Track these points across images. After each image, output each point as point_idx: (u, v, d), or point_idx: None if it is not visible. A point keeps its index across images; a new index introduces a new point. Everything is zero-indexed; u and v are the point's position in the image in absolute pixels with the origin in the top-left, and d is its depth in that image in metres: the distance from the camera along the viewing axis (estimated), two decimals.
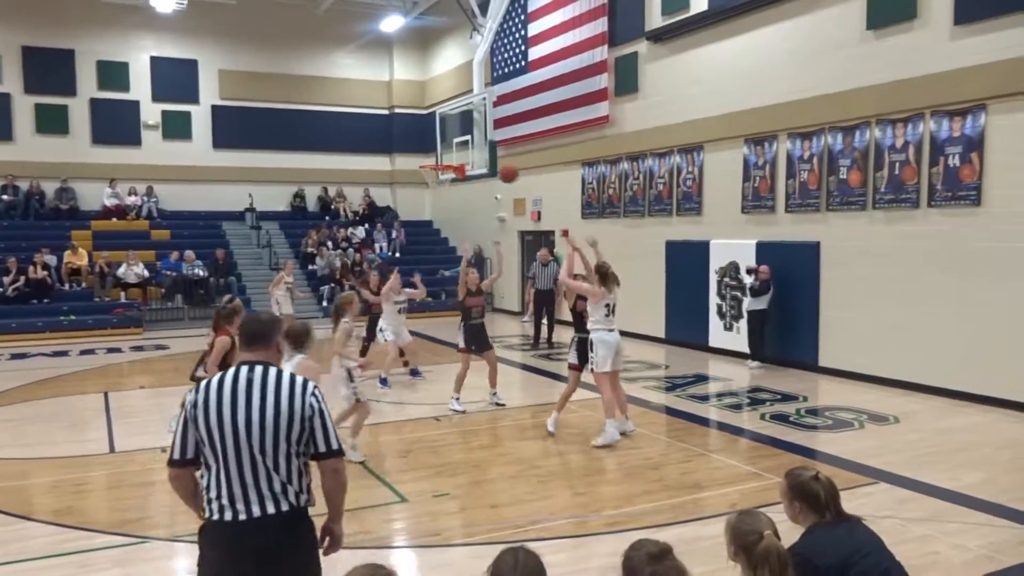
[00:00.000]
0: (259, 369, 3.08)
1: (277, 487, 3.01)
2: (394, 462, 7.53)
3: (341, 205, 23.66)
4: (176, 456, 3.07)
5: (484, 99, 14.40)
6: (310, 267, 20.50)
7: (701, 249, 13.97)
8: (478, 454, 7.78)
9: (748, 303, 12.44)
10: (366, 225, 22.78)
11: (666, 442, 8.25)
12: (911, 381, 10.57)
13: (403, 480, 6.92)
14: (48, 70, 20.72)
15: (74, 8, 20.29)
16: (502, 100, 18.85)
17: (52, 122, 20.85)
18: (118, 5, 19.94)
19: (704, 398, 10.40)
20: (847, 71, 11.39)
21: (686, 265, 14.34)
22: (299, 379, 3.13)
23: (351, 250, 21.08)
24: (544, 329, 15.20)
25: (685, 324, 14.45)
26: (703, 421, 9.15)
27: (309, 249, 20.74)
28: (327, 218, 23.13)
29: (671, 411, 9.65)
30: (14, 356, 14.51)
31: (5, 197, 20.18)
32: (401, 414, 9.44)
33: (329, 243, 21.03)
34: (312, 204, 23.77)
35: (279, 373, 3.11)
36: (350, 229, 22.24)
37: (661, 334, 15.05)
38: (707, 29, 13.84)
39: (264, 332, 3.23)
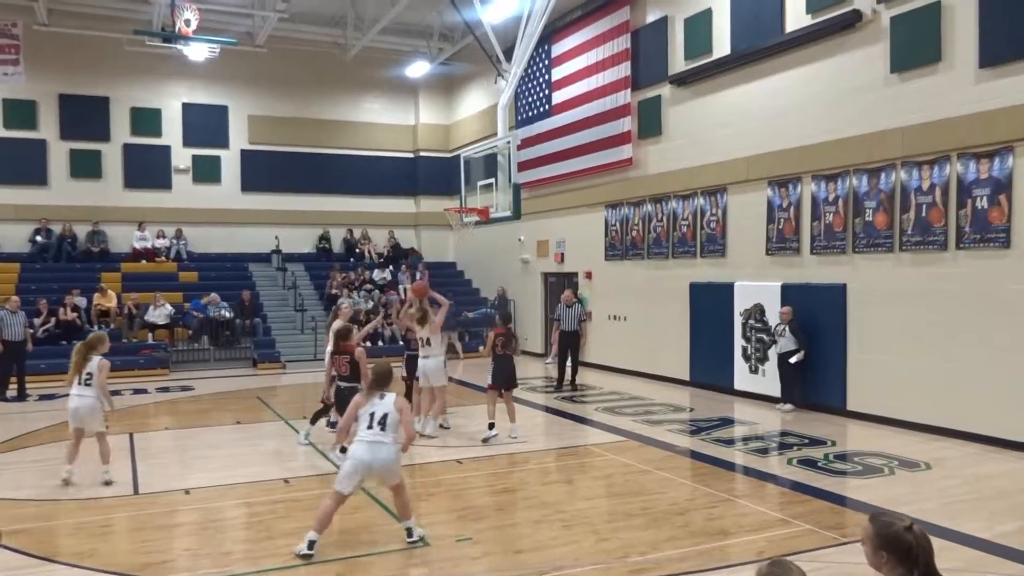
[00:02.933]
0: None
1: None
2: (415, 505, 7.46)
3: (366, 247, 23.88)
4: None
5: (508, 142, 14.53)
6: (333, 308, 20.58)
7: (725, 291, 13.90)
8: (501, 497, 7.71)
9: (780, 345, 12.29)
10: (391, 267, 22.95)
11: (691, 487, 8.12)
12: (942, 426, 10.36)
13: (425, 523, 6.86)
14: (83, 117, 21.29)
15: (110, 57, 20.89)
16: (526, 143, 19.06)
17: (86, 167, 21.36)
18: (153, 54, 20.50)
19: (730, 442, 10.26)
20: (872, 114, 11.40)
21: (710, 307, 14.26)
22: None
23: (376, 292, 21.21)
24: (568, 371, 15.13)
25: (709, 367, 14.33)
26: (729, 465, 9.02)
27: (333, 291, 20.89)
28: (352, 260, 23.34)
29: (696, 455, 9.52)
30: (43, 397, 14.67)
31: (39, 239, 20.61)
32: (423, 456, 9.39)
33: (352, 287, 21.15)
34: (337, 246, 24.02)
35: None
36: (374, 271, 22.42)
37: (685, 376, 14.93)
38: (730, 73, 13.94)
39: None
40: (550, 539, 6.50)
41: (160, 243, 21.60)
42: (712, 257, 14.50)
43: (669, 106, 15.54)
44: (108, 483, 8.31)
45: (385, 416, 6.24)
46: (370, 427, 6.24)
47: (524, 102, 20.09)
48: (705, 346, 14.48)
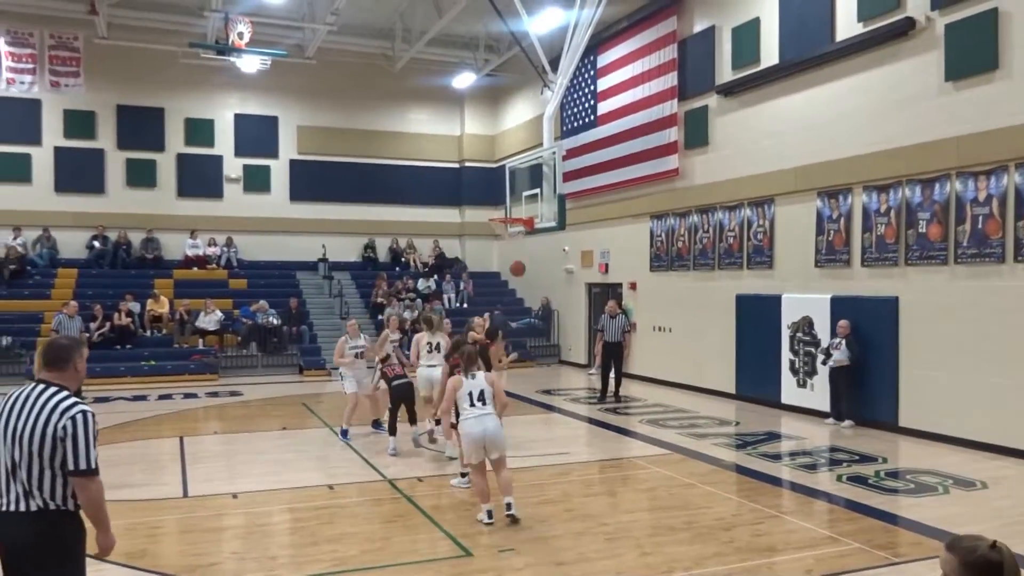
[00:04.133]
0: (39, 389, 3.55)
1: (20, 487, 3.48)
2: (458, 514, 7.47)
3: (411, 256, 24.06)
4: None
5: (553, 153, 14.53)
6: (379, 317, 20.79)
7: (772, 303, 13.69)
8: (544, 509, 7.66)
9: (834, 358, 12.01)
10: (435, 276, 23.08)
11: (737, 502, 7.99)
12: (1000, 444, 10.04)
13: (468, 533, 6.86)
14: (139, 127, 21.86)
15: (166, 69, 21.42)
16: (571, 154, 19.03)
17: (141, 176, 21.92)
18: (206, 66, 20.96)
19: (776, 457, 10.07)
20: (925, 123, 11.15)
21: (757, 319, 14.05)
22: (66, 403, 3.51)
23: (419, 301, 21.35)
24: (611, 382, 15.02)
25: (756, 380, 14.10)
26: (775, 481, 8.85)
27: (378, 299, 21.07)
28: (397, 268, 23.53)
29: (742, 470, 9.37)
30: (97, 399, 15.03)
31: (96, 245, 21.18)
32: (456, 467, 9.37)
33: (397, 297, 21.31)
34: (383, 255, 24.25)
35: (52, 395, 3.53)
36: (419, 280, 22.58)
37: (731, 389, 14.72)
38: (778, 82, 13.76)
39: (61, 356, 3.66)
40: (593, 552, 6.44)
41: (211, 251, 22.04)
42: (759, 269, 14.30)
43: (716, 116, 15.39)
44: None
45: (483, 392, 7.19)
46: (472, 404, 7.12)
47: (569, 113, 20.09)
48: (751, 359, 14.27)
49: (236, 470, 9.47)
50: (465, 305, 22.20)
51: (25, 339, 17.66)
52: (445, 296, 22.29)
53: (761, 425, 12.16)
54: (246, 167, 22.94)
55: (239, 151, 22.87)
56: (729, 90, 14.87)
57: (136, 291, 19.30)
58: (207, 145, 22.59)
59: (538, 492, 8.26)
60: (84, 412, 3.55)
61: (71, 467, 3.51)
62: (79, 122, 21.37)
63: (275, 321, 19.07)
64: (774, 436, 11.39)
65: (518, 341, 20.54)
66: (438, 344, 10.47)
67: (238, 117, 22.88)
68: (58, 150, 21.23)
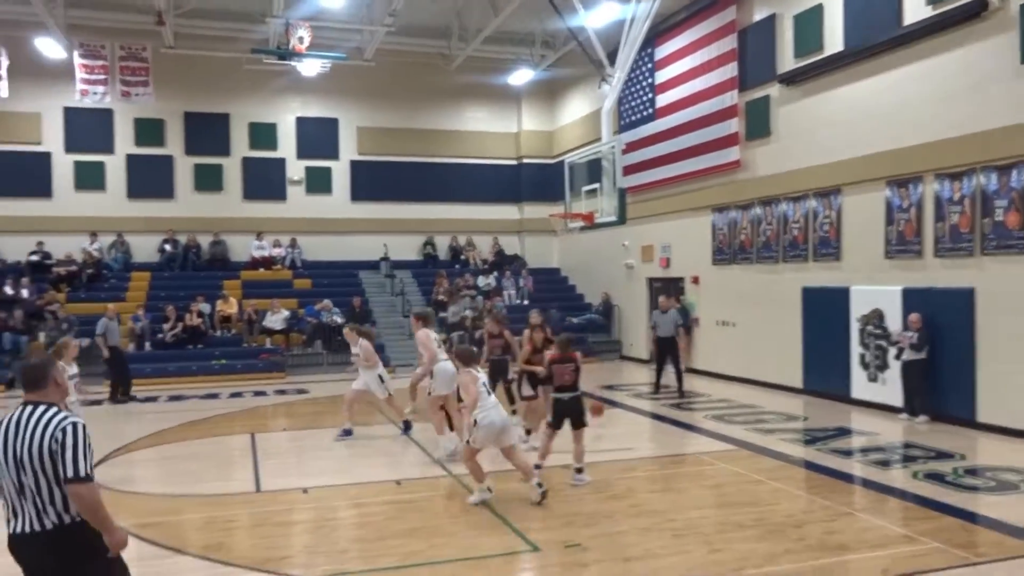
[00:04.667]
0: (28, 410, 3.70)
1: (34, 505, 3.63)
2: (524, 510, 7.50)
3: (470, 254, 24.21)
4: None
5: (612, 147, 14.46)
6: (440, 314, 21.01)
7: (840, 296, 13.37)
8: (609, 505, 7.65)
9: (907, 353, 11.66)
10: (495, 273, 23.18)
11: (807, 499, 7.84)
12: None
13: (533, 529, 6.89)
14: (206, 133, 22.48)
15: (230, 75, 21.97)
16: (631, 147, 18.88)
17: (208, 180, 22.55)
18: (268, 71, 21.43)
19: (848, 453, 9.84)
20: (1000, 107, 10.74)
21: (824, 312, 13.75)
22: (55, 419, 3.67)
23: (480, 298, 21.48)
24: (672, 378, 14.86)
25: (824, 374, 13.80)
26: (847, 477, 8.65)
27: (439, 297, 21.27)
28: (457, 266, 23.71)
29: (811, 466, 9.19)
30: (172, 398, 15.54)
31: (167, 248, 21.87)
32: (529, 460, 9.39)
33: (458, 294, 21.48)
34: (443, 253, 24.45)
35: (41, 413, 3.68)
36: (478, 277, 22.71)
37: (798, 384, 14.43)
38: (843, 70, 13.43)
39: (38, 376, 3.79)
40: (660, 548, 6.40)
41: (276, 252, 22.55)
42: (825, 261, 13.98)
43: (778, 106, 15.10)
44: None
45: (487, 384, 7.80)
46: (490, 395, 7.71)
47: (628, 106, 19.93)
48: (819, 353, 13.96)
49: (306, 466, 9.68)
50: (525, 301, 22.23)
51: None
52: (505, 293, 22.37)
53: (831, 420, 11.90)
54: (308, 169, 23.38)
55: (301, 153, 23.33)
56: (791, 79, 14.57)
57: (206, 292, 19.86)
58: (270, 148, 23.10)
59: (603, 488, 8.24)
60: (74, 423, 3.70)
61: (65, 475, 3.62)
62: (149, 130, 22.08)
63: (339, 320, 19.40)
64: (844, 432, 11.14)
65: (579, 337, 20.49)
66: (440, 340, 10.51)
67: (299, 120, 23.33)
68: (130, 158, 21.98)
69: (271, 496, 8.22)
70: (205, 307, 19.30)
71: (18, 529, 3.66)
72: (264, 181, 22.92)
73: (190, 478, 9.07)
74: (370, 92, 23.53)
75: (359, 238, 23.42)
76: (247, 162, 22.88)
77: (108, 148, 21.80)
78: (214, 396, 15.58)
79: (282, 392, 16.07)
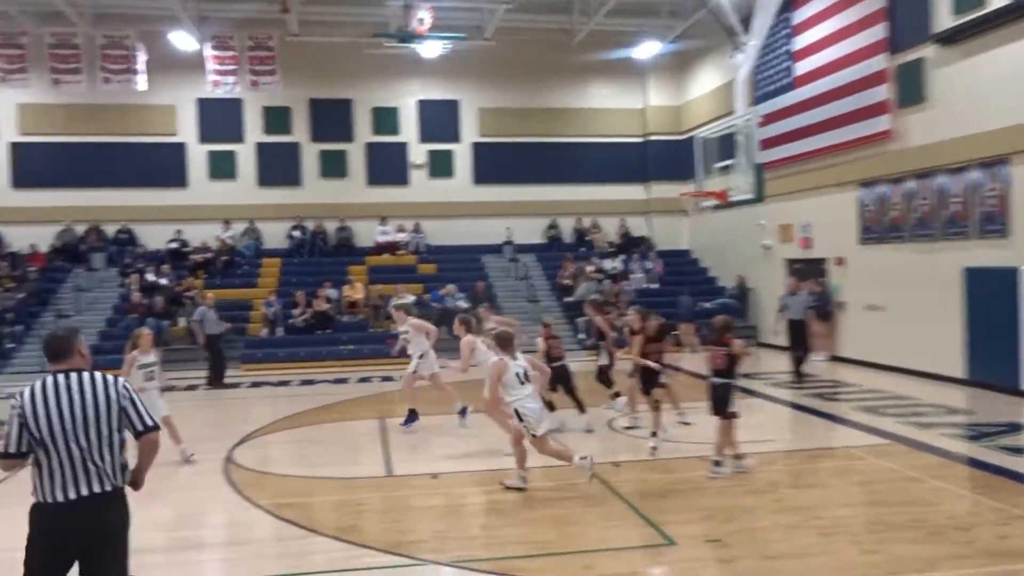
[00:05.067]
0: (73, 376, 3.93)
1: (96, 468, 3.87)
2: (659, 502, 7.42)
3: (596, 236, 24.08)
4: (12, 450, 3.87)
5: (747, 120, 14.02)
6: (565, 299, 21.05)
7: (1009, 277, 12.46)
8: (750, 499, 7.45)
9: None
10: (622, 255, 22.98)
11: (972, 499, 7.39)
12: None
13: (669, 522, 6.81)
14: (330, 119, 23.34)
15: (353, 61, 22.68)
16: (767, 120, 18.20)
17: (333, 166, 23.41)
18: (390, 55, 21.97)
19: (1020, 451, 9.19)
20: None
21: (991, 295, 12.85)
22: (111, 379, 4.00)
23: (607, 281, 21.36)
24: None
25: (991, 363, 12.91)
26: (1020, 477, 8.08)
27: (564, 280, 21.29)
28: (582, 249, 23.65)
29: (977, 463, 8.64)
30: (303, 382, 16.29)
31: (296, 234, 22.90)
32: (665, 451, 9.31)
33: (584, 277, 21.43)
34: (567, 235, 24.45)
35: (93, 377, 3.96)
36: (604, 260, 22.58)
37: (959, 374, 13.58)
38: (1011, 25, 12.45)
39: (64, 347, 4.01)
40: (806, 546, 6.20)
41: (400, 237, 23.18)
42: (991, 238, 13.05)
43: (934, 69, 14.18)
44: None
45: (526, 371, 7.78)
46: (523, 383, 7.70)
47: (763, 76, 19.22)
48: (985, 340, 13.08)
49: (435, 451, 9.93)
50: (655, 285, 21.96)
51: (237, 325, 19.43)
52: (632, 276, 22.15)
53: (1000, 414, 11.14)
54: (430, 153, 23.88)
55: (423, 137, 23.84)
56: (950, 38, 13.64)
57: (333, 278, 20.67)
58: (392, 133, 23.73)
59: (742, 481, 8.04)
60: (125, 381, 4.10)
61: (141, 427, 4.02)
62: (276, 118, 23.12)
63: (463, 305, 19.75)
64: (1017, 427, 10.40)
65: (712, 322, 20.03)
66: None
67: (421, 103, 23.83)
68: (259, 146, 23.10)
69: (401, 480, 8.50)
70: (332, 292, 20.09)
71: (72, 494, 3.84)
72: (387, 166, 23.58)
73: (322, 461, 9.49)
74: (491, 72, 23.74)
75: (482, 222, 23.73)
76: (370, 147, 23.59)
77: (238, 137, 22.99)
78: (343, 381, 16.20)
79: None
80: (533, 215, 24.17)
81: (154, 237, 22.33)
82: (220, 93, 21.61)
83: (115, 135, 22.23)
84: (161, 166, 22.44)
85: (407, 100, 23.83)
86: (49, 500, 3.85)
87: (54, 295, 20.53)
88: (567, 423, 10.53)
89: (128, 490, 4.10)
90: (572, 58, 23.71)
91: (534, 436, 7.69)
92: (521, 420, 7.70)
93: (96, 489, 3.87)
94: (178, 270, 21.07)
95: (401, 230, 23.32)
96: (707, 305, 20.21)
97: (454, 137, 24.04)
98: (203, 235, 22.26)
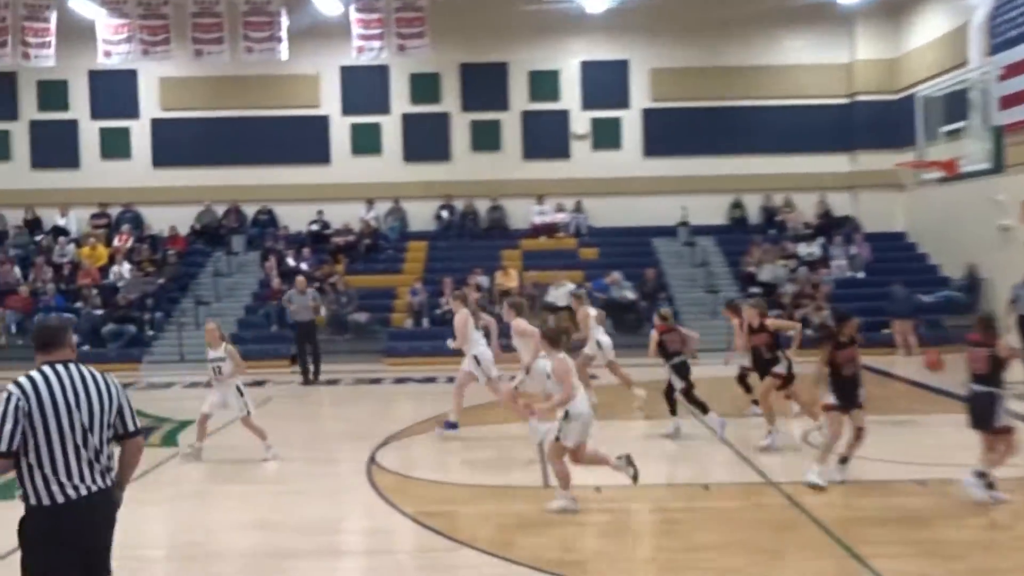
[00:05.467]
0: (72, 368, 4.14)
1: (99, 465, 4.10)
2: (865, 531, 7.08)
3: (788, 216, 23.27)
4: (4, 448, 3.98)
5: (984, 73, 13.09)
6: (750, 290, 20.50)
7: None
8: (985, 534, 6.98)
9: None
10: (820, 239, 22.10)
11: None
12: None
13: (877, 555, 6.46)
14: (483, 86, 23.79)
15: (508, 20, 22.96)
16: (1010, 72, 16.85)
17: (485, 138, 23.85)
18: (550, 11, 22.07)
19: None
20: None
21: None
22: (108, 376, 4.23)
23: (802, 269, 20.62)
24: None
25: None
26: None
27: (749, 268, 20.73)
28: (771, 231, 22.93)
29: None
30: (450, 379, 16.57)
31: (444, 215, 23.53)
32: (872, 473, 8.86)
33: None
34: (754, 215, 23.78)
35: (90, 370, 4.19)
36: (799, 244, 21.80)
37: None
38: None
39: (58, 337, 4.23)
40: None
41: (559, 217, 23.30)
42: None
43: None
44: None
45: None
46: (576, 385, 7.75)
47: (1004, 18, 17.82)
48: None
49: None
50: (860, 274, 21.00)
51: (380, 315, 20.20)
52: (833, 264, 21.28)
53: None
54: (594, 121, 23.84)
55: (586, 103, 23.85)
56: None
57: (484, 264, 21.05)
58: (552, 99, 23.87)
59: (976, 513, 7.51)
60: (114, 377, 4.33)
61: (133, 427, 4.30)
62: (424, 86, 23.81)
63: (630, 295, 19.63)
64: None
65: (932, 319, 18.97)
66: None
67: (584, 65, 23.82)
68: (405, 117, 23.87)
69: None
70: (483, 280, 20.46)
71: (83, 491, 4.05)
72: (545, 137, 23.73)
73: (472, 467, 9.70)
74: (664, 27, 23.38)
75: (653, 200, 23.45)
76: (527, 116, 23.85)
77: (384, 108, 23.85)
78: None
79: None
80: (713, 192, 23.64)
81: (295, 218, 23.56)
82: (365, 60, 22.38)
83: (256, 108, 23.64)
84: (303, 141, 23.62)
85: (569, 62, 23.89)
86: (59, 500, 4.04)
87: (193, 280, 22.09)
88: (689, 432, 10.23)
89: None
90: (760, 6, 22.93)
91: (556, 440, 7.70)
92: (565, 418, 7.63)
93: (101, 485, 4.13)
94: (319, 254, 22.13)
95: (560, 209, 23.43)
96: (926, 299, 19.11)
97: (622, 103, 23.89)
98: (345, 216, 23.26)
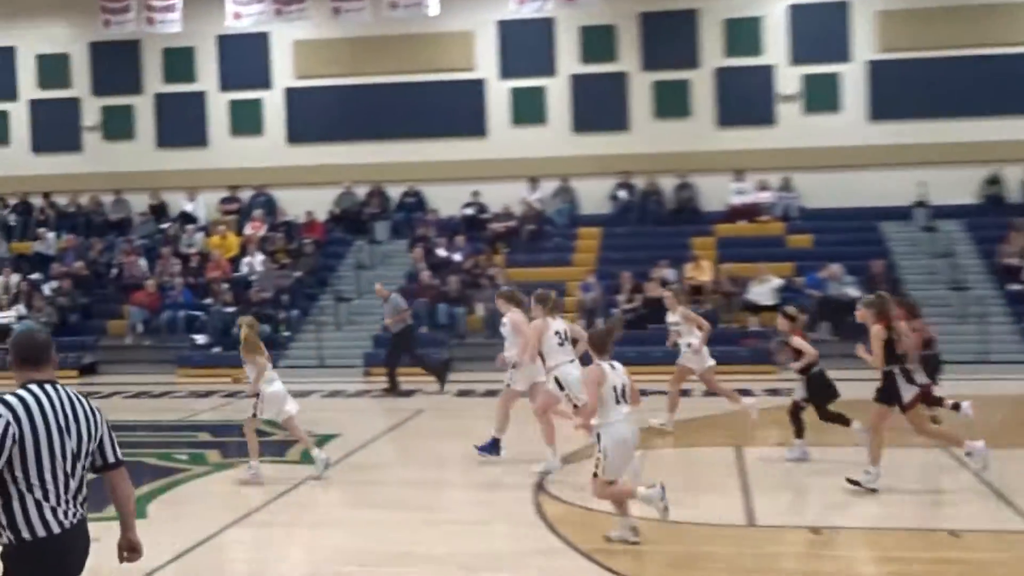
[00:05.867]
0: (58, 389, 4.31)
1: (82, 495, 4.31)
2: None
3: None
4: None
5: None
6: (1008, 287, 19.55)
7: None
8: None
9: None
10: None
11: None
12: None
13: None
14: (667, 39, 23.72)
15: None
16: None
17: (670, 103, 23.71)
18: None
19: None
20: None
21: None
22: (84, 398, 4.40)
23: None
24: None
25: None
26: None
27: (1009, 259, 19.77)
28: None
29: None
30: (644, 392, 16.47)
31: (621, 195, 23.50)
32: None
33: None
34: (1014, 192, 22.69)
35: (73, 393, 4.36)
36: None
37: None
38: None
39: (46, 352, 4.39)
40: None
41: (763, 197, 22.88)
42: None
43: None
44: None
45: (625, 387, 7.79)
46: (618, 402, 7.70)
47: None
48: None
49: (811, 495, 9.73)
50: None
51: None
52: None
53: None
54: (806, 78, 23.30)
55: (796, 57, 23.37)
56: None
57: (670, 254, 20.94)
58: (752, 53, 23.54)
59: None
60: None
61: (114, 460, 4.48)
62: (597, 41, 23.90)
63: (853, 293, 19.01)
64: None
65: None
66: (565, 332, 10.72)
67: (793, 9, 23.32)
68: (575, 79, 24.00)
69: (770, 534, 8.41)
70: (670, 273, 20.29)
71: (74, 520, 4.27)
72: (745, 99, 23.39)
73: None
74: None
75: (882, 174, 22.79)
76: (722, 74, 23.57)
77: (548, 70, 24.09)
78: (685, 393, 16.21)
79: (774, 392, 16.15)
80: (960, 164, 22.66)
81: (447, 200, 24.19)
82: (527, 12, 22.62)
83: (402, 73, 24.39)
84: (455, 111, 24.16)
85: (773, 6, 23.48)
86: (41, 534, 4.20)
87: (332, 273, 22.99)
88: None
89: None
90: None
91: (594, 476, 7.81)
92: (599, 451, 7.74)
93: (81, 516, 4.33)
94: (474, 242, 22.55)
95: (764, 188, 23.05)
96: None
97: (840, 55, 23.29)
98: (505, 197, 23.66)
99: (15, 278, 22.76)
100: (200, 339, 20.86)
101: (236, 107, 25.27)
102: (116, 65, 25.56)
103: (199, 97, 25.44)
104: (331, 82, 24.68)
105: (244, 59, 25.01)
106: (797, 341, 10.95)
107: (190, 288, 22.13)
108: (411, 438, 11.55)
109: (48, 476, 4.22)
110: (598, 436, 7.76)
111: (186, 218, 24.61)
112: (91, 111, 25.83)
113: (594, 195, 24.03)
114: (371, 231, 23.85)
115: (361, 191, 24.69)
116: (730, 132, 23.49)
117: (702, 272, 20.54)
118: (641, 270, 20.47)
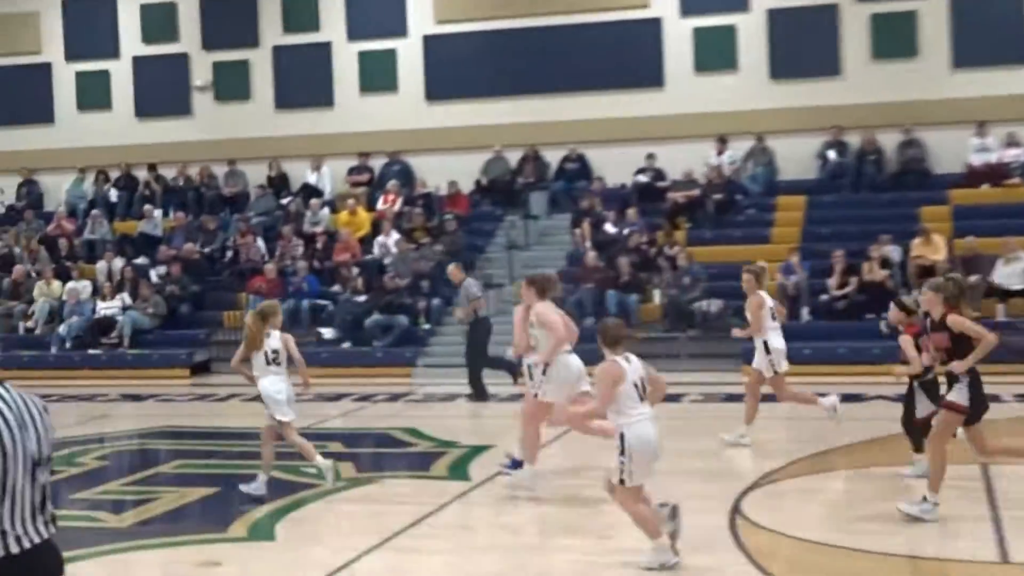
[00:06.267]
0: (12, 390, 4.17)
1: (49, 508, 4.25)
2: None
3: None
4: None
5: None
6: None
7: None
8: None
9: None
10: None
11: None
12: None
13: None
14: None
15: None
16: None
17: (892, 39, 23.04)
18: None
19: None
20: None
21: None
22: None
23: None
24: None
25: None
26: None
27: None
28: None
29: None
30: (849, 397, 15.85)
31: (830, 156, 22.94)
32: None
33: None
34: None
35: (21, 393, 4.21)
36: None
37: None
38: None
39: None
40: None
41: (1011, 155, 22.04)
42: None
43: None
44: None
45: (643, 381, 8.03)
46: (642, 399, 7.94)
47: None
48: None
49: None
50: None
51: (737, 303, 19.89)
52: None
53: None
54: None
55: None
56: None
57: (893, 228, 20.36)
58: None
59: None
60: None
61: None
62: None
63: None
64: None
65: None
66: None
67: None
68: (770, 14, 23.67)
69: None
70: (893, 250, 19.70)
71: (43, 537, 4.20)
72: (987, 33, 22.64)
73: (886, 526, 9.31)
74: None
75: None
76: (957, 3, 22.71)
77: (740, 4, 23.74)
78: (897, 398, 15.67)
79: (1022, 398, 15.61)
80: None
81: (616, 165, 24.11)
82: None
83: (560, 15, 24.43)
84: (624, 58, 24.00)
85: None
86: (13, 551, 4.17)
87: (480, 254, 23.12)
88: None
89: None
90: None
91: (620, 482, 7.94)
92: (622, 454, 7.85)
93: (45, 535, 4.26)
94: (649, 216, 22.36)
95: (1013, 143, 22.14)
96: None
97: None
98: (686, 161, 23.39)
99: (119, 263, 23.61)
100: (327, 333, 21.25)
101: (366, 59, 25.57)
102: (229, 14, 26.24)
103: (324, 49, 25.82)
104: (477, 27, 24.80)
105: (376, 2, 25.31)
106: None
107: (315, 273, 22.55)
108: (578, 447, 11.37)
109: (17, 488, 4.19)
110: (621, 436, 7.85)
111: (310, 191, 25.02)
112: (201, 68, 26.56)
113: (797, 156, 23.52)
114: (525, 204, 23.86)
115: (513, 156, 24.75)
116: (969, 75, 22.69)
117: (933, 249, 19.84)
118: (856, 247, 19.91)
